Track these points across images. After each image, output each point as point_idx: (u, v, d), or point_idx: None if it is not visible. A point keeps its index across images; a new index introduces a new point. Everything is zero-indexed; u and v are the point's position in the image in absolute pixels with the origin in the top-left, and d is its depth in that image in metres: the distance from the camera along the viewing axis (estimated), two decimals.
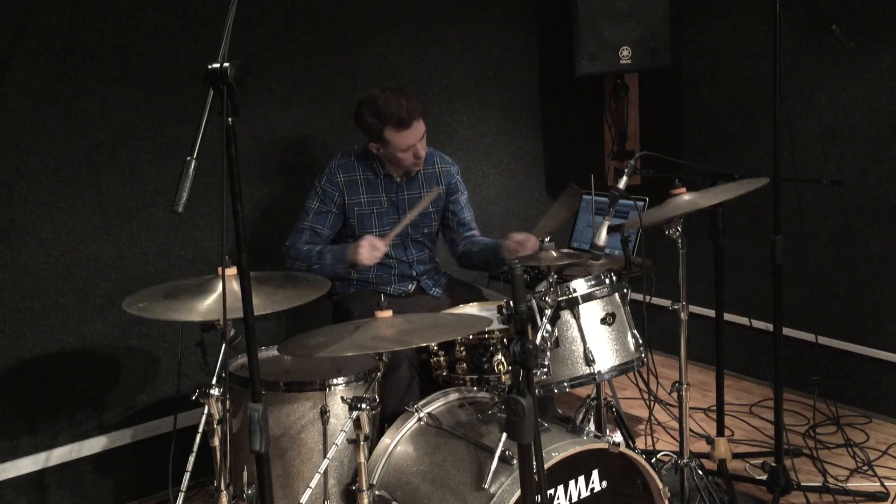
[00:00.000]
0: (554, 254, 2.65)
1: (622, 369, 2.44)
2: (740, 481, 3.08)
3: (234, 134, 1.69)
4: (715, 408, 3.09)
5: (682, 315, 2.71)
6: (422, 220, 3.15)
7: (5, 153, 2.93)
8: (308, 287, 2.43)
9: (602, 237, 2.53)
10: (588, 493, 2.29)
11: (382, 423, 2.60)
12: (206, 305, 2.24)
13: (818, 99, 3.62)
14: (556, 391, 2.39)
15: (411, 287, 3.19)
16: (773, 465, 2.93)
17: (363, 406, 2.13)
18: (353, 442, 2.17)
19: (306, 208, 3.07)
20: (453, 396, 2.58)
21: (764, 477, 3.00)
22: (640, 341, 2.49)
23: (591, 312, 2.42)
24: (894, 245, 3.48)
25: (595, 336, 2.40)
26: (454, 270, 3.48)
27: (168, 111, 3.23)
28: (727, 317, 3.21)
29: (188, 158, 1.63)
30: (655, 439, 3.41)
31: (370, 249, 2.84)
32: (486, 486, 2.14)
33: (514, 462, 2.15)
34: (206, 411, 2.22)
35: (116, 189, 3.16)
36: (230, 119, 1.68)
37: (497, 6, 4.15)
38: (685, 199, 2.66)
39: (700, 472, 2.76)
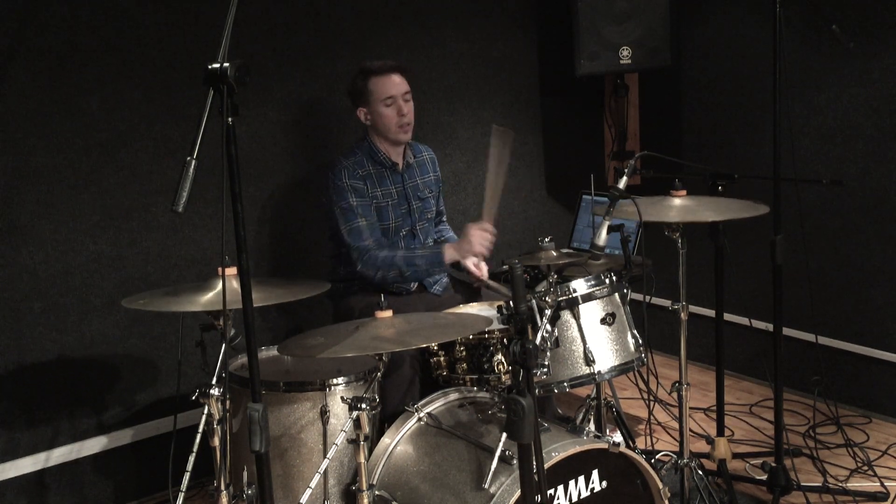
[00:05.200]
0: (554, 254, 2.65)
1: (622, 369, 2.44)
2: (740, 481, 3.08)
3: (234, 134, 1.70)
4: (715, 408, 3.09)
5: (682, 315, 2.71)
6: (425, 207, 3.22)
7: (5, 153, 2.93)
8: (307, 285, 2.44)
9: (602, 237, 2.53)
10: (588, 493, 2.29)
11: (382, 423, 2.60)
12: (207, 298, 2.25)
13: (818, 99, 3.62)
14: (556, 391, 2.39)
15: (413, 284, 3.19)
16: (773, 465, 2.93)
17: (363, 406, 2.13)
18: (353, 442, 2.17)
19: (348, 206, 3.00)
20: (453, 396, 2.58)
21: (764, 477, 3.00)
22: (640, 341, 2.49)
23: (591, 312, 2.42)
24: (894, 245, 3.48)
25: (595, 336, 2.40)
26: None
27: (168, 111, 3.23)
28: (727, 317, 3.21)
29: (188, 158, 1.63)
30: (655, 439, 3.41)
31: (480, 237, 2.89)
32: (486, 486, 2.14)
33: (514, 462, 2.15)
34: (206, 411, 2.22)
35: (116, 189, 3.16)
36: (230, 119, 1.68)
37: (497, 6, 4.15)
38: (678, 203, 2.66)
39: (700, 472, 2.76)
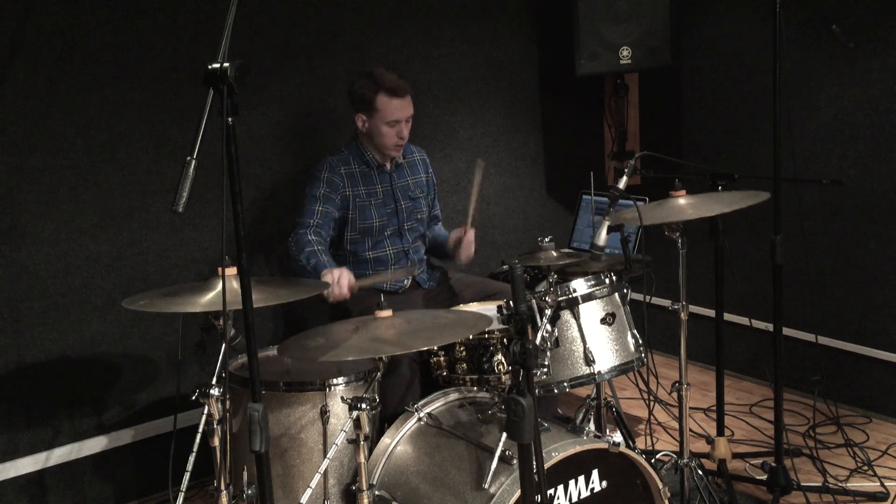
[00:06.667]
0: (554, 254, 2.65)
1: (622, 369, 2.44)
2: (740, 481, 3.08)
3: (234, 134, 1.69)
4: (715, 408, 3.09)
5: (682, 315, 2.71)
6: (414, 207, 3.23)
7: (5, 153, 2.93)
8: (307, 285, 2.44)
9: (602, 237, 2.53)
10: (588, 493, 2.29)
11: (382, 423, 2.60)
12: (208, 299, 2.25)
13: (818, 99, 3.62)
14: (556, 391, 2.38)
15: (407, 281, 3.21)
16: (773, 465, 2.93)
17: (363, 406, 2.13)
18: (353, 442, 2.17)
19: (313, 194, 3.05)
20: (453, 396, 2.58)
21: (764, 477, 3.00)
22: (640, 341, 2.49)
23: (591, 312, 2.41)
24: (894, 245, 3.48)
25: (595, 336, 2.40)
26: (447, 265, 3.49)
27: (168, 111, 3.23)
28: (727, 317, 3.21)
29: (188, 158, 1.63)
30: (655, 439, 3.41)
31: (333, 283, 2.73)
32: (486, 486, 2.14)
33: (514, 462, 2.15)
34: (206, 411, 2.22)
35: (116, 189, 3.16)
36: (230, 119, 1.68)
37: (497, 6, 4.15)
38: (682, 203, 2.66)
39: (700, 472, 2.76)
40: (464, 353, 2.45)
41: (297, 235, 3.00)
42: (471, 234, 3.14)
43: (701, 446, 3.21)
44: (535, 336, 2.25)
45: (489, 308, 2.84)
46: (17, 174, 2.96)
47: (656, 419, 3.51)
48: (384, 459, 2.43)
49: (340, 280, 2.73)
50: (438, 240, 3.37)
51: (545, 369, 2.27)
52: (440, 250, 3.35)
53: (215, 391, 2.20)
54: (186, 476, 2.20)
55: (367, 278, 2.96)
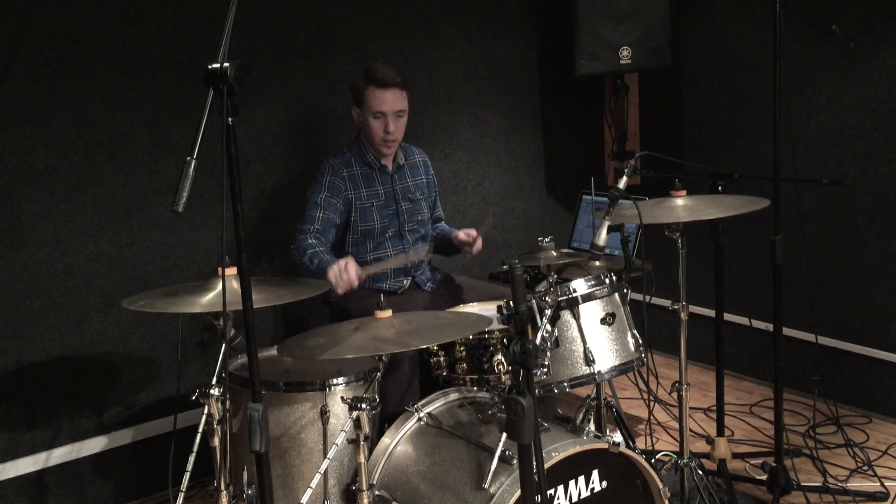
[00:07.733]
0: (554, 254, 2.65)
1: (622, 369, 2.44)
2: (740, 481, 3.08)
3: (234, 134, 1.70)
4: (715, 408, 3.09)
5: (682, 315, 2.71)
6: (415, 209, 3.23)
7: (5, 153, 2.93)
8: (307, 285, 2.44)
9: (602, 237, 2.53)
10: (588, 493, 2.29)
11: (382, 423, 2.60)
12: (208, 300, 2.25)
13: (818, 99, 3.62)
14: (556, 391, 2.38)
15: (406, 282, 3.22)
16: (773, 465, 2.93)
17: (363, 406, 2.13)
18: (353, 442, 2.17)
19: (314, 199, 3.06)
20: (453, 396, 2.58)
21: (764, 477, 3.00)
22: (640, 341, 2.49)
23: (591, 312, 2.41)
24: (894, 245, 3.48)
25: (595, 336, 2.40)
26: (449, 267, 3.48)
27: (168, 111, 3.23)
28: (727, 317, 3.21)
29: (188, 158, 1.63)
30: (655, 439, 3.42)
31: (339, 273, 2.73)
32: (486, 486, 2.14)
33: (514, 462, 2.15)
34: (206, 411, 2.22)
35: (116, 189, 3.16)
36: (230, 119, 1.68)
37: (497, 6, 4.15)
38: (682, 204, 2.65)
39: (700, 472, 2.77)
40: (464, 353, 2.45)
41: (298, 241, 3.01)
42: (479, 243, 3.18)
43: (701, 446, 3.22)
44: (535, 336, 2.25)
45: (489, 308, 2.85)
46: (17, 174, 2.96)
47: (656, 419, 3.52)
48: (384, 459, 2.43)
49: (348, 268, 2.73)
50: (444, 233, 3.37)
51: (545, 369, 2.27)
52: (446, 244, 3.35)
53: (215, 391, 2.20)
54: (186, 476, 2.21)
55: (372, 266, 3.00)
